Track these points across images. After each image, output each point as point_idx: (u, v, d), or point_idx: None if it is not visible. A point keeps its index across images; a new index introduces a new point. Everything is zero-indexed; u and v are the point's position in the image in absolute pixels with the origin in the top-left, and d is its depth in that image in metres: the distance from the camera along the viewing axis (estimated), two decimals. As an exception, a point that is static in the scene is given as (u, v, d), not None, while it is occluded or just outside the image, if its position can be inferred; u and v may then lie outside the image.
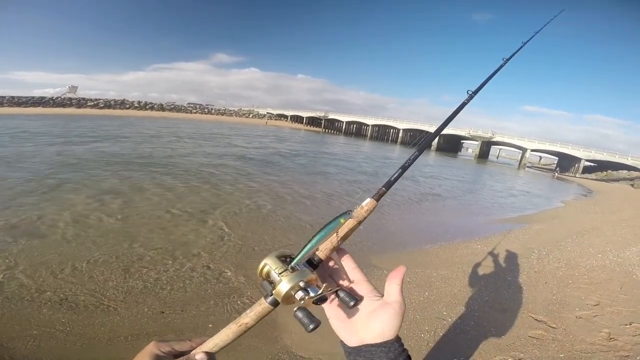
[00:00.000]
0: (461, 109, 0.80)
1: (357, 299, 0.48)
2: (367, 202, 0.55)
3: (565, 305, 3.49)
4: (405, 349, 0.48)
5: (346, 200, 7.90)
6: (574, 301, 3.61)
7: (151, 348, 0.47)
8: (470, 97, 0.83)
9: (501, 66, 0.96)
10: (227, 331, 0.49)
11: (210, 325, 2.71)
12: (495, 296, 3.62)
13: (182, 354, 0.49)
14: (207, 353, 0.48)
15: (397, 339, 0.47)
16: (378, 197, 0.56)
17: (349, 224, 0.53)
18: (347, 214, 0.53)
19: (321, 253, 0.52)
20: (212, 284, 3.38)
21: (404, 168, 0.61)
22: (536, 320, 3.15)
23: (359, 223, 0.54)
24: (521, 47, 1.08)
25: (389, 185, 0.58)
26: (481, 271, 4.33)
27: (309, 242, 0.51)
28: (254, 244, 4.54)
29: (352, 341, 0.48)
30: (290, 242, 4.76)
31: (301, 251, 0.51)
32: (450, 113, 0.82)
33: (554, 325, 3.06)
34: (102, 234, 4.39)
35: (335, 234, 0.53)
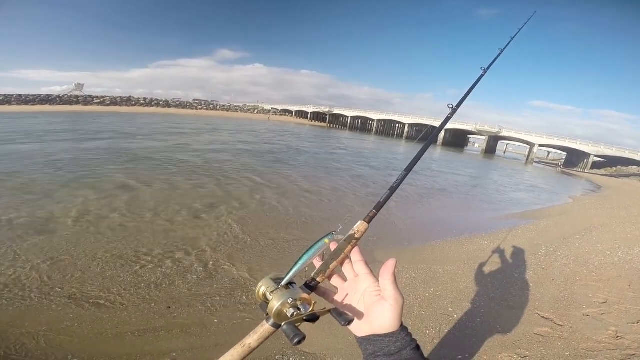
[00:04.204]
0: (446, 124, 0.84)
1: (348, 319, 0.50)
2: (359, 225, 0.58)
3: (572, 303, 3.45)
4: (414, 340, 0.49)
5: (348, 199, 7.89)
6: (582, 299, 3.57)
7: None
8: (453, 112, 0.85)
9: (481, 76, 0.97)
10: (232, 352, 0.52)
11: (215, 321, 2.74)
12: (502, 293, 3.60)
13: None
14: None
15: (403, 329, 0.49)
16: (369, 219, 0.59)
17: (347, 250, 0.57)
18: (330, 234, 0.57)
19: (318, 277, 0.56)
20: (218, 280, 3.41)
21: (392, 189, 0.63)
22: (543, 317, 3.13)
23: (353, 246, 0.57)
24: (499, 55, 1.09)
25: (378, 207, 0.61)
26: (488, 267, 4.30)
27: (296, 263, 0.55)
28: (259, 239, 4.56)
29: (359, 331, 0.52)
30: (295, 237, 4.77)
31: (289, 271, 0.54)
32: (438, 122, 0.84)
33: (560, 323, 3.03)
34: (110, 230, 4.45)
35: (323, 254, 0.57)
